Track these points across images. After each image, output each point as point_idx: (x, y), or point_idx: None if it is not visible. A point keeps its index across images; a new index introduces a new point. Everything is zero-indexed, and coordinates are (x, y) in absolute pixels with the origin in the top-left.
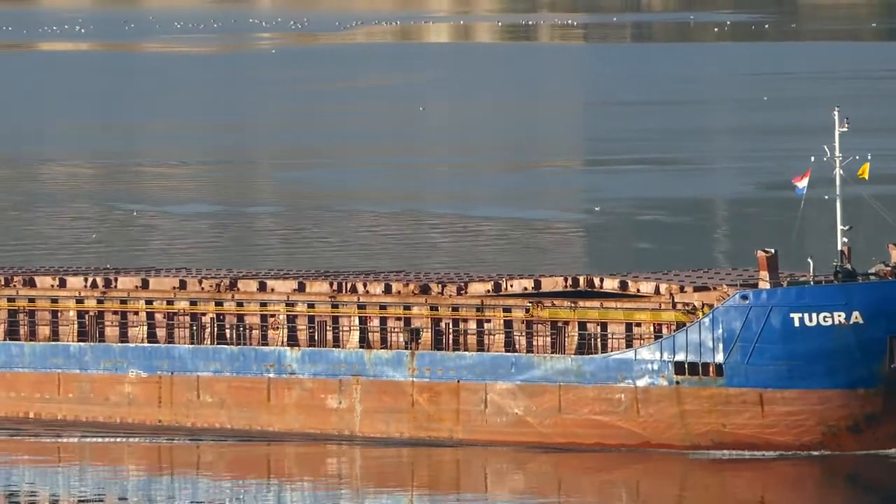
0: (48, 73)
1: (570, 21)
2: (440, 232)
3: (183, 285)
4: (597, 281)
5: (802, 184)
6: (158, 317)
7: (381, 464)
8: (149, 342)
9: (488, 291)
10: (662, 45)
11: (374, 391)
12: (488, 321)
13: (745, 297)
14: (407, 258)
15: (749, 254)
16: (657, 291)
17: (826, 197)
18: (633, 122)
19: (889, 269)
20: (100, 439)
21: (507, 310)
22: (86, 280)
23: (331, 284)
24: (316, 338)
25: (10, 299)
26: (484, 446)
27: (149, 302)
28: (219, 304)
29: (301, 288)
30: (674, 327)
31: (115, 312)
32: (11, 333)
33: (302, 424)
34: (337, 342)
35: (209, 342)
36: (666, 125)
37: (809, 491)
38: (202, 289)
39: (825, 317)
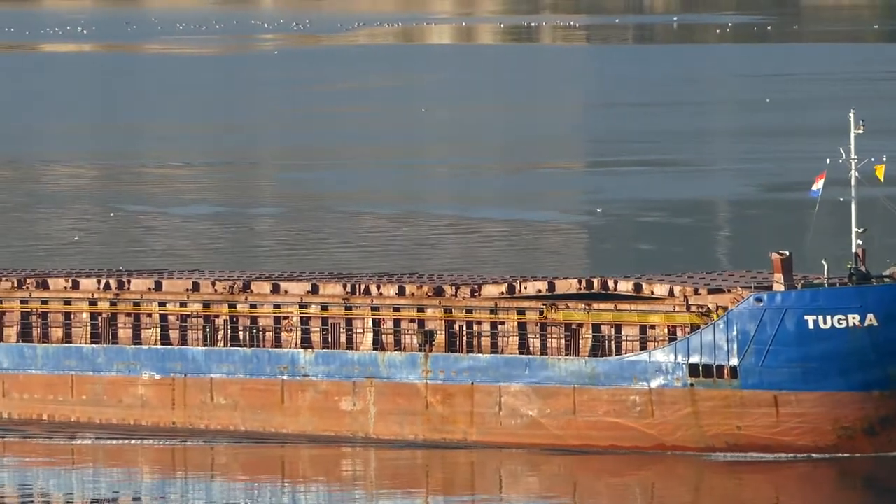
0: (50, 74)
1: (572, 22)
2: (441, 233)
3: (196, 287)
4: (611, 283)
5: (818, 186)
6: (172, 319)
7: (395, 466)
8: (162, 344)
9: (502, 293)
10: (664, 46)
11: (388, 393)
12: (502, 323)
13: (759, 300)
14: (409, 259)
15: (751, 255)
16: (671, 294)
17: (841, 199)
18: (635, 124)
19: None
20: (113, 441)
21: (521, 312)
22: (99, 282)
23: (344, 286)
24: (329, 340)
25: (23, 301)
26: (498, 448)
27: (162, 304)
28: (232, 306)
29: (314, 290)
30: (688, 329)
31: (128, 314)
32: (24, 335)
33: (316, 426)
34: (350, 344)
35: (222, 344)
36: (668, 126)
37: (824, 493)
38: (215, 291)
39: (840, 319)
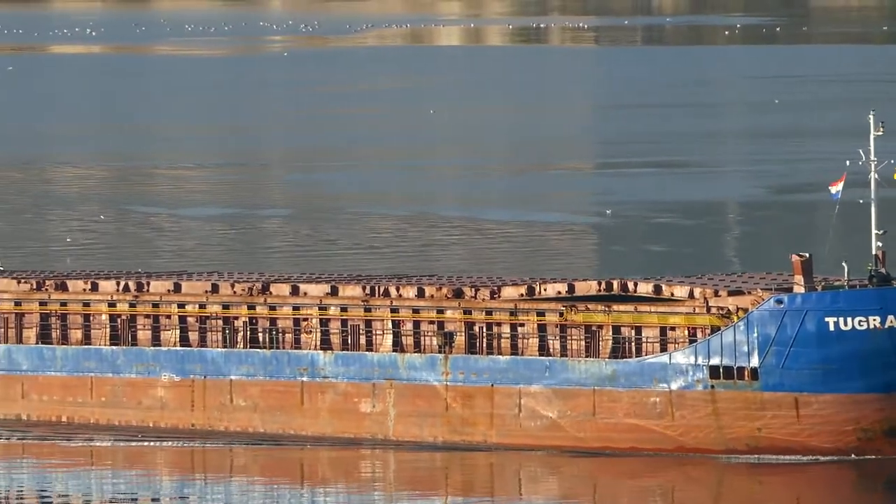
0: (59, 75)
1: (580, 24)
2: (451, 235)
3: (215, 289)
4: (630, 285)
5: (838, 188)
6: (191, 320)
7: (414, 468)
8: (181, 346)
9: (522, 295)
10: (673, 48)
11: (408, 395)
12: (522, 325)
13: (779, 302)
14: (419, 261)
15: (762, 257)
16: (691, 295)
17: (860, 200)
18: (644, 125)
19: None
20: (132, 443)
21: (540, 313)
22: (118, 284)
23: (363, 288)
24: (349, 341)
25: (43, 303)
26: (518, 450)
27: (181, 305)
28: (251, 307)
29: (334, 292)
30: (708, 331)
31: (147, 316)
32: (44, 337)
33: (335, 428)
34: (370, 346)
35: (242, 346)
36: (676, 128)
37: (845, 495)
38: (234, 292)
39: (860, 321)
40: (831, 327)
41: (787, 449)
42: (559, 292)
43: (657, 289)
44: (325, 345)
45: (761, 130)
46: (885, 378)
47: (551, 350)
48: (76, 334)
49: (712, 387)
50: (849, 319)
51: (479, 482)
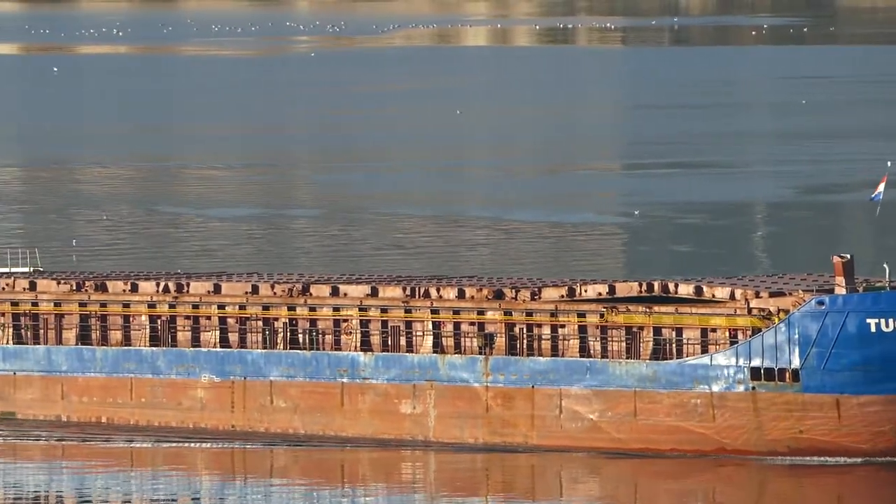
0: (85, 76)
1: (607, 24)
2: (479, 235)
3: (255, 290)
4: (671, 286)
5: (879, 190)
6: (231, 321)
7: (455, 469)
8: (221, 347)
9: (562, 296)
10: (700, 48)
11: (448, 396)
12: (562, 326)
13: (821, 303)
14: (448, 261)
15: (792, 257)
16: (732, 297)
17: None
18: (672, 126)
19: None
20: (172, 444)
21: (581, 315)
22: (157, 285)
23: (404, 289)
24: (389, 342)
25: (82, 304)
26: (559, 452)
27: (221, 307)
28: (291, 308)
29: (374, 293)
30: (749, 333)
31: (187, 317)
32: (84, 338)
33: (375, 430)
34: (410, 347)
35: (282, 347)
36: (704, 128)
37: (886, 497)
38: (274, 293)
39: None
40: (873, 328)
41: (828, 451)
42: (600, 293)
43: (698, 290)
44: (366, 346)
45: (789, 131)
46: None
47: (592, 351)
48: (116, 335)
49: (753, 388)
50: (890, 321)
51: (520, 484)
